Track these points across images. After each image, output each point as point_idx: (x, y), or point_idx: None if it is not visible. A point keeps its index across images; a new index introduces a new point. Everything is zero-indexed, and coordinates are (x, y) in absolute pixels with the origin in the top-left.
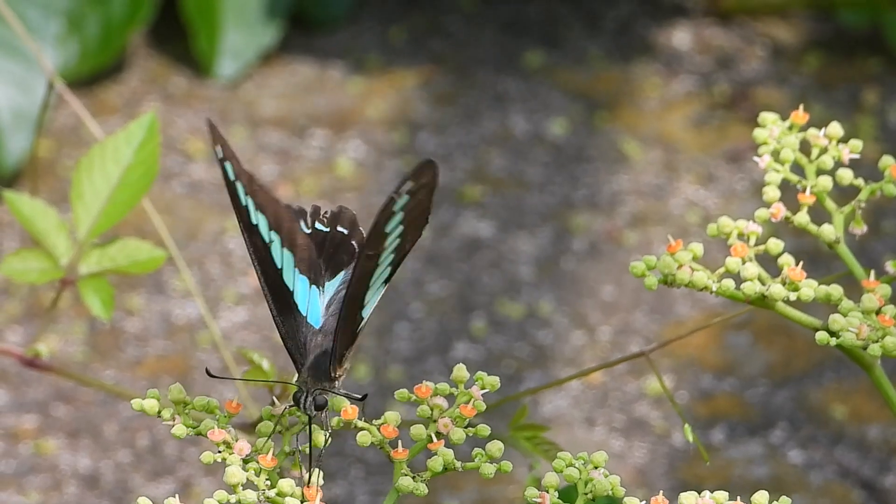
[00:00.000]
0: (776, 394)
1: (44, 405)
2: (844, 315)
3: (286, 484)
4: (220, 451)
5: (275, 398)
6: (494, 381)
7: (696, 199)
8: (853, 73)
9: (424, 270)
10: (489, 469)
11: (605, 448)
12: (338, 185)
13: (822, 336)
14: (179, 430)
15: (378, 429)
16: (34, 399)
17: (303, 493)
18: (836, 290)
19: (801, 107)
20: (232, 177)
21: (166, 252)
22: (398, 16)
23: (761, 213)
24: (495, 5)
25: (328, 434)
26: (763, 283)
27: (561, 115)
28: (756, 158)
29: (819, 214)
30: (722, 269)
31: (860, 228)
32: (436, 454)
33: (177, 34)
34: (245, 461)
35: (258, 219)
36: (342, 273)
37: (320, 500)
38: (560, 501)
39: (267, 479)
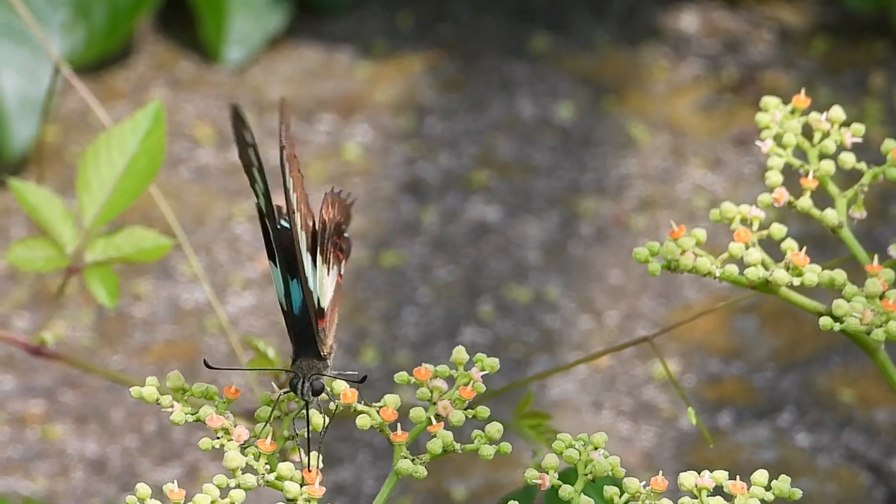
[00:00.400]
0: (783, 378)
1: (51, 391)
2: (848, 300)
3: (285, 467)
4: (218, 438)
5: (274, 384)
6: (494, 362)
7: (703, 184)
8: (860, 57)
9: (432, 255)
10: (488, 451)
11: (613, 432)
12: (345, 170)
13: (825, 321)
14: (178, 416)
15: (378, 412)
16: (41, 385)
17: (302, 477)
18: (839, 275)
19: (803, 91)
20: (256, 163)
21: (172, 240)
22: (405, 1)
23: (764, 197)
24: None
25: (327, 418)
26: (766, 269)
27: (568, 100)
28: (758, 143)
29: (824, 199)
30: (725, 255)
31: (860, 213)
32: (435, 436)
33: (184, 19)
34: (245, 446)
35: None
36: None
37: (319, 483)
38: (560, 483)
39: (266, 464)
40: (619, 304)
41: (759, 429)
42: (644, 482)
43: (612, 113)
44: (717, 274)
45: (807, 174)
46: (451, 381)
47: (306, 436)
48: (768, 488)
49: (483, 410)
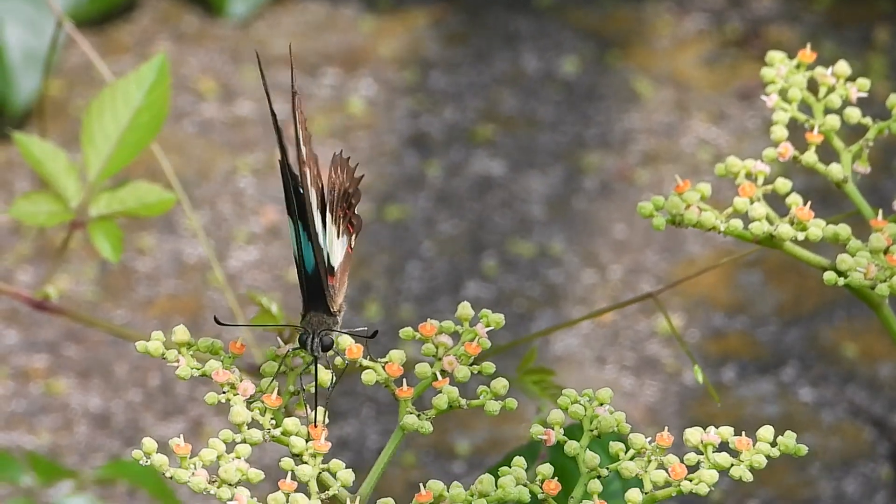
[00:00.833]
0: (787, 332)
1: (54, 345)
2: (852, 254)
3: (291, 422)
4: (224, 392)
5: (280, 339)
6: (499, 318)
7: (707, 138)
8: (865, 12)
9: (436, 210)
10: (494, 406)
11: (616, 387)
12: (349, 124)
13: (829, 276)
14: (184, 371)
15: (383, 367)
16: (45, 339)
17: (308, 432)
18: (843, 230)
19: (809, 45)
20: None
21: (176, 195)
22: None
23: (769, 152)
24: None
25: (334, 374)
26: (771, 223)
27: (572, 54)
28: (763, 97)
29: (829, 153)
30: (730, 210)
31: (864, 168)
32: (441, 392)
33: None
34: (251, 401)
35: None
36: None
37: (325, 439)
38: (565, 438)
39: (272, 419)
40: (623, 258)
41: (763, 383)
42: (649, 438)
43: (616, 67)
44: (722, 228)
45: (812, 129)
46: (456, 336)
47: (313, 391)
48: (774, 444)
49: (488, 366)
